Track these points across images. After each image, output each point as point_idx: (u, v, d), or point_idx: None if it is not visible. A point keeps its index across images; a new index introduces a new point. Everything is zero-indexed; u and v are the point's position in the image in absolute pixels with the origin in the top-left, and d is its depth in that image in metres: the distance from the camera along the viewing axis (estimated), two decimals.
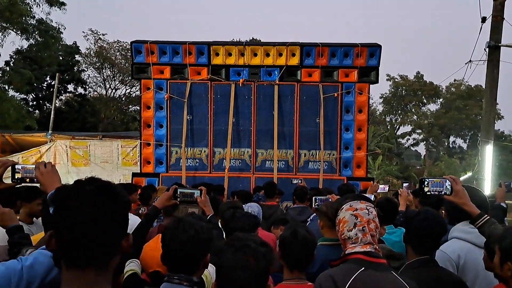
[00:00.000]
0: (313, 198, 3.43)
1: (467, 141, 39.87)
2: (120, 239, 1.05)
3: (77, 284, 1.01)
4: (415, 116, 37.84)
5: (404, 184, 4.55)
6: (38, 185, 1.94)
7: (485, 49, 9.13)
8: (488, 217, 2.05)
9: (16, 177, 1.99)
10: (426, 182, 2.20)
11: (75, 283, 1.01)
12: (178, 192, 2.55)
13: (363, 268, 1.72)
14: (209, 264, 1.80)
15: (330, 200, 2.97)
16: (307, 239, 2.19)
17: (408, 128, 38.04)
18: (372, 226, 1.83)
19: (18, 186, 2.09)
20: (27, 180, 1.98)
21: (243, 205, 3.95)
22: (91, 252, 1.00)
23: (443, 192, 2.16)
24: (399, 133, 37.59)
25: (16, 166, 1.99)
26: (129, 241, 1.09)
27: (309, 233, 2.24)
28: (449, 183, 2.13)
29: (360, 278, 1.69)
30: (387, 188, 6.48)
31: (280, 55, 7.02)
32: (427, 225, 2.14)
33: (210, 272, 2.01)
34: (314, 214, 4.42)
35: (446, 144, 39.99)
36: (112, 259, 1.05)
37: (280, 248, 2.20)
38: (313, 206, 3.38)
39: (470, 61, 9.63)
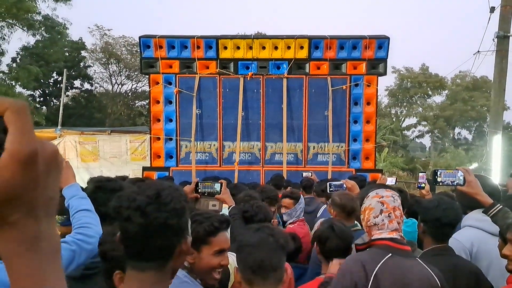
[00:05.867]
0: (328, 183, 3.48)
1: (472, 132, 39.62)
2: (175, 243, 1.12)
3: (138, 283, 1.12)
4: (420, 108, 37.61)
5: (420, 174, 4.60)
6: None
7: (493, 40, 9.07)
8: (501, 206, 2.07)
9: None
10: (438, 173, 2.26)
11: (136, 282, 1.12)
12: (199, 185, 2.61)
13: (390, 254, 1.75)
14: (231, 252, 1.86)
15: (344, 185, 3.02)
16: (344, 231, 2.25)
17: (413, 120, 37.84)
18: (398, 213, 1.86)
19: None
20: None
21: None
22: (146, 257, 1.11)
23: (455, 182, 2.20)
24: (404, 125, 37.38)
25: None
26: (188, 244, 1.16)
27: (345, 226, 2.30)
28: (462, 174, 2.16)
29: (388, 264, 1.73)
30: (395, 181, 6.48)
31: (289, 48, 7.01)
32: (446, 214, 2.17)
33: (233, 259, 2.06)
34: (325, 206, 4.48)
35: (452, 135, 39.76)
36: (169, 262, 1.13)
37: (318, 243, 2.25)
38: (328, 191, 3.44)
39: (478, 51, 9.58)
